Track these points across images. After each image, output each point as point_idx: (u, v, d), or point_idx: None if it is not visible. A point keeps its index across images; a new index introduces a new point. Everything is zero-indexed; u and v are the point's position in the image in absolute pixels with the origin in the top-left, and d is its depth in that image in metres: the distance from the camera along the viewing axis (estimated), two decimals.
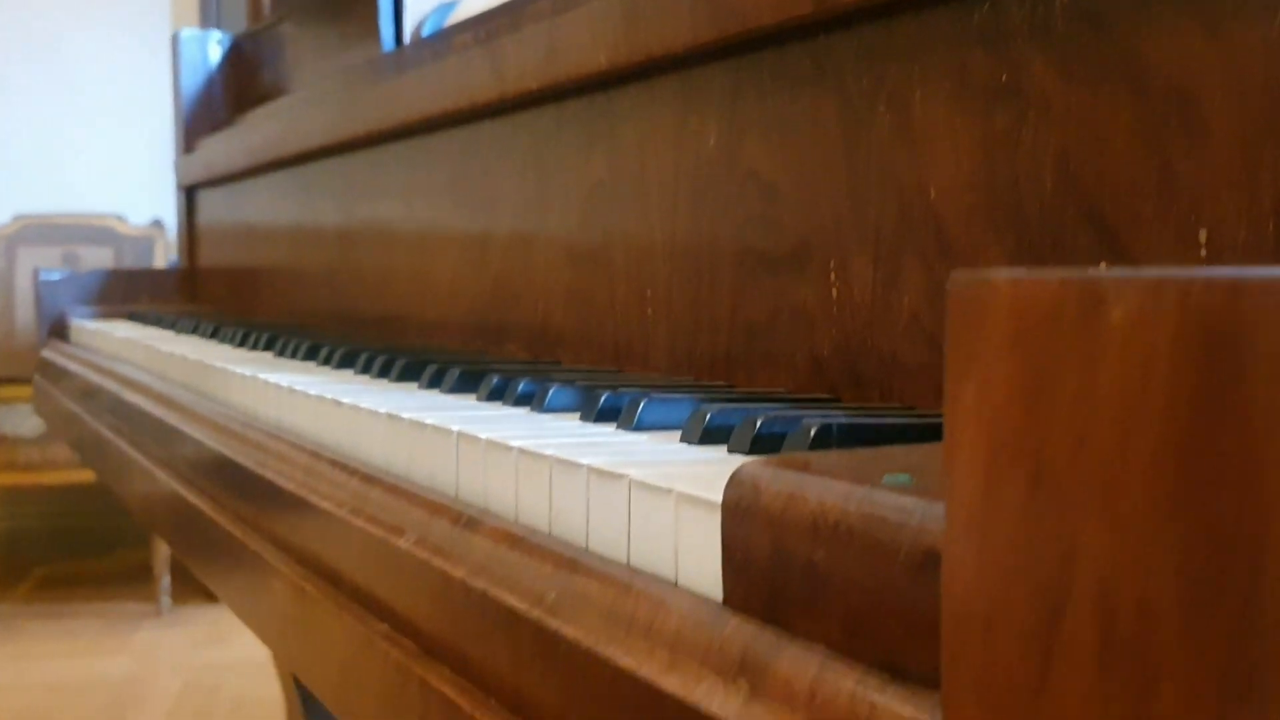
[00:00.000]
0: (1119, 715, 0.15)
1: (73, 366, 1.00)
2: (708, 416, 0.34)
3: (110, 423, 0.81)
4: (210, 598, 2.36)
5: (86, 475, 2.19)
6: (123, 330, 1.01)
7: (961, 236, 0.35)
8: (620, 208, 0.53)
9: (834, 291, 0.40)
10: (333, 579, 0.42)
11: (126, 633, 2.14)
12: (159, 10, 2.73)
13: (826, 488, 0.23)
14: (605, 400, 0.39)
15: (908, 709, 0.20)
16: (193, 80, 1.25)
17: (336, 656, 0.40)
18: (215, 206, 1.23)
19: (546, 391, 0.42)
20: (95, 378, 0.90)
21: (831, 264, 0.40)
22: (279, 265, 1.05)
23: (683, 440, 0.35)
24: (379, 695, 0.36)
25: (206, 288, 1.25)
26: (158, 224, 2.62)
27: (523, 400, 0.44)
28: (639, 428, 0.37)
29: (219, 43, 1.26)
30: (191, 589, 2.43)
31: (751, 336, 0.45)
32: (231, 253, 1.18)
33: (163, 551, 2.24)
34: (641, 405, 0.37)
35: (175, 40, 1.28)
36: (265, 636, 0.49)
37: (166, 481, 0.63)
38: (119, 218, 2.63)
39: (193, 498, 0.58)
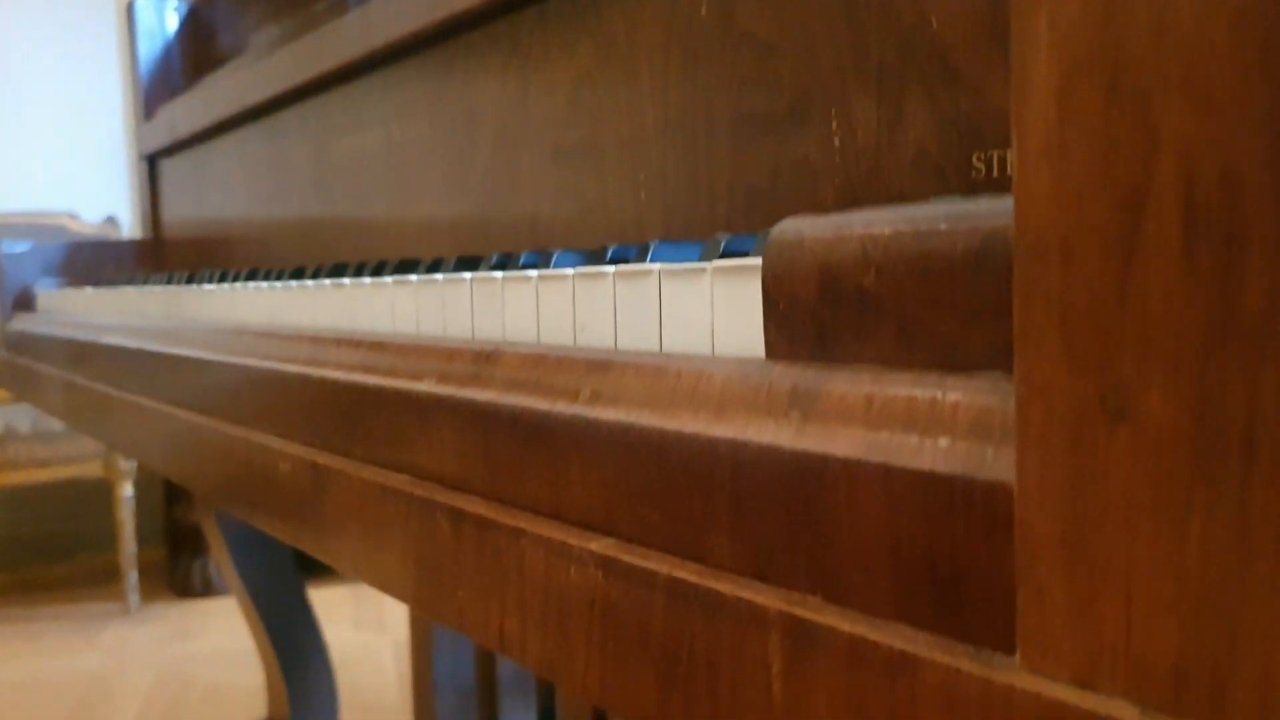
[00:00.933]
0: (1205, 301, 0.16)
1: (43, 329, 0.99)
2: (723, 242, 0.34)
3: (95, 371, 0.79)
4: (179, 594, 2.32)
5: (45, 475, 2.15)
6: (94, 291, 1.00)
7: (967, 61, 0.36)
8: (608, 95, 0.53)
9: (836, 141, 0.41)
10: (348, 449, 0.41)
11: (95, 631, 2.11)
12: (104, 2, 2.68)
13: (874, 218, 0.23)
14: (613, 252, 0.39)
15: (968, 392, 0.20)
16: (150, 48, 1.24)
17: (358, 526, 0.40)
18: (180, 174, 1.21)
19: (550, 257, 0.42)
20: (71, 333, 0.89)
21: (833, 113, 0.41)
22: (251, 223, 1.04)
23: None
24: (410, 541, 0.36)
25: (173, 257, 1.23)
26: (111, 221, 2.58)
27: (527, 268, 0.44)
28: None
29: (175, 9, 1.25)
30: (159, 587, 2.40)
31: (752, 201, 0.45)
32: (198, 220, 1.17)
33: (129, 550, 2.20)
34: (653, 248, 0.37)
35: (130, 8, 1.26)
36: (281, 532, 0.49)
37: (169, 411, 0.63)
38: (72, 215, 2.59)
39: (201, 419, 0.57)
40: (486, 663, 1.37)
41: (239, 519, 1.21)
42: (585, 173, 0.56)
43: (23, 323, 1.12)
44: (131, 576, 2.21)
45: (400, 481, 0.37)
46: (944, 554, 0.19)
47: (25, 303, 1.18)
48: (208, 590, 2.31)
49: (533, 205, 0.61)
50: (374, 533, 0.39)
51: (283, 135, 0.93)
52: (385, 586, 0.38)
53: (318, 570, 2.50)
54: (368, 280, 0.44)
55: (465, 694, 1.35)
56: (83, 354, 0.83)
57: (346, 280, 0.46)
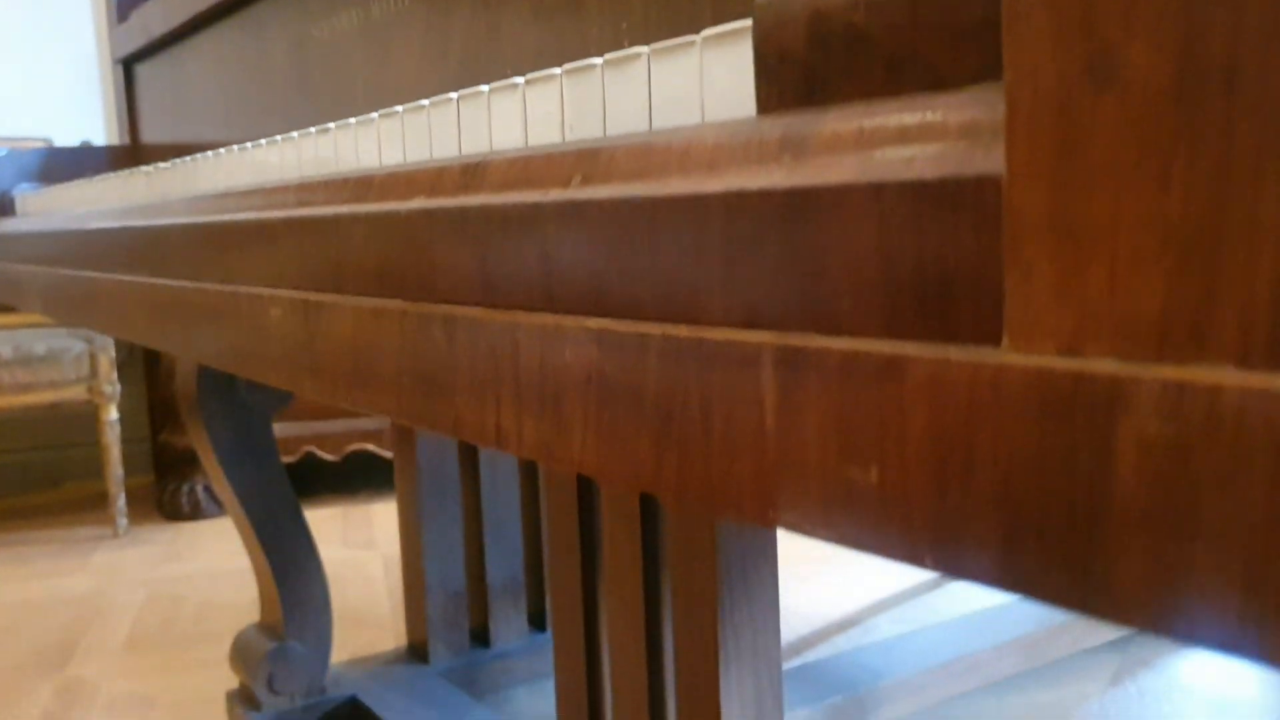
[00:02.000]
0: None
1: (22, 228, 0.98)
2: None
3: (78, 259, 0.79)
4: (167, 518, 2.33)
5: (29, 399, 2.14)
6: (75, 183, 0.99)
7: None
8: None
9: None
10: (339, 286, 0.42)
11: (84, 554, 2.12)
12: None
13: None
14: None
15: (957, 106, 0.21)
16: None
17: (351, 357, 0.40)
18: (156, 78, 1.20)
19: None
20: (52, 226, 0.88)
21: None
22: (232, 124, 1.03)
23: None
24: (404, 356, 0.37)
25: (152, 161, 1.22)
26: (87, 145, 2.55)
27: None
28: None
29: None
30: (147, 511, 2.41)
31: None
32: (177, 124, 1.16)
33: (116, 474, 2.21)
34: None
35: None
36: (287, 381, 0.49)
37: (156, 284, 0.62)
38: (46, 141, 2.56)
39: (189, 284, 0.57)
40: (476, 566, 1.38)
41: (228, 423, 1.22)
42: (566, 29, 0.55)
43: (3, 228, 1.11)
44: (119, 501, 2.22)
45: (391, 306, 0.38)
46: (933, 259, 0.20)
47: (3, 209, 1.17)
48: (196, 514, 2.32)
49: (514, 69, 0.61)
50: (368, 359, 0.39)
51: (261, 28, 0.92)
52: (381, 408, 0.38)
53: (307, 491, 2.51)
54: (353, 120, 0.44)
55: (456, 597, 1.37)
56: (65, 244, 0.83)
57: (332, 125, 0.46)
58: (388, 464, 2.54)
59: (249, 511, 1.26)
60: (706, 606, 0.76)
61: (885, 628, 1.58)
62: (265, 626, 1.31)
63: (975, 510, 0.19)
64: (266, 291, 0.47)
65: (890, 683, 1.25)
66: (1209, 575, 0.16)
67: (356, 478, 2.62)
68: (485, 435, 0.33)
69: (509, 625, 1.41)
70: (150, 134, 1.25)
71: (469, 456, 1.36)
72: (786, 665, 1.45)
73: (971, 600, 1.65)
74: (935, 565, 0.20)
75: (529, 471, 1.41)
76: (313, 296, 0.43)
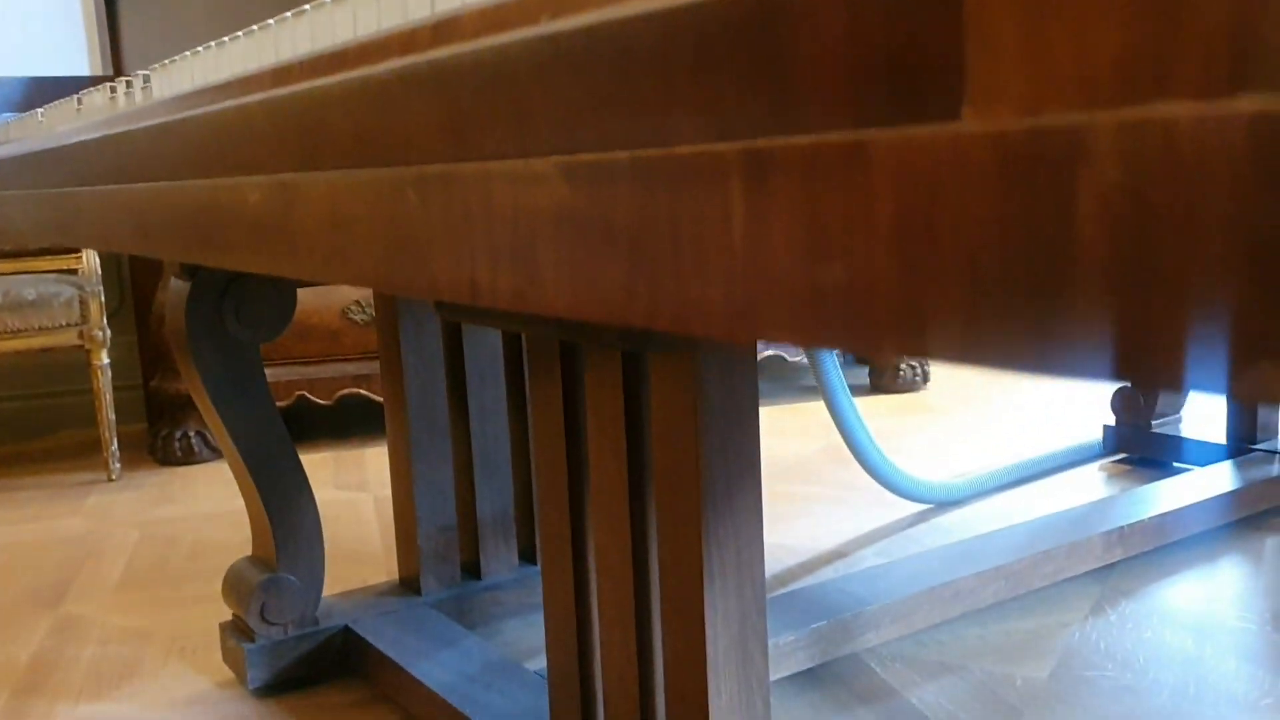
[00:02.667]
0: None
1: (8, 151, 0.97)
2: None
3: (60, 176, 0.79)
4: (160, 463, 2.34)
5: (19, 344, 2.14)
6: (55, 103, 0.98)
7: None
8: None
9: None
10: (316, 163, 0.41)
11: (79, 498, 2.13)
12: None
13: None
14: None
15: None
16: None
17: (328, 231, 0.40)
18: (138, 7, 1.18)
19: None
20: (33, 147, 0.87)
21: None
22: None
23: None
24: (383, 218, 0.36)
25: None
26: (71, 77, 2.52)
27: None
28: None
29: None
30: (141, 457, 2.41)
31: None
32: (161, 49, 1.15)
33: (109, 419, 2.21)
34: None
35: None
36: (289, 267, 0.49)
37: (137, 189, 0.62)
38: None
39: (169, 184, 0.57)
40: (467, 502, 1.39)
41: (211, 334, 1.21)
42: None
43: None
44: (113, 446, 2.22)
45: (365, 175, 0.37)
46: (900, 43, 0.20)
47: None
48: (190, 458, 2.33)
49: None
50: (345, 231, 0.39)
51: None
52: (359, 279, 0.38)
53: (299, 435, 2.51)
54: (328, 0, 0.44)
55: (446, 531, 1.38)
56: (47, 163, 0.82)
57: (307, 5, 0.46)
58: (379, 409, 2.54)
59: (240, 444, 1.26)
60: (691, 524, 0.76)
61: (871, 560, 1.59)
62: (257, 559, 1.32)
63: (940, 288, 0.19)
64: (245, 179, 0.47)
65: (874, 609, 1.27)
66: (1169, 318, 0.16)
67: (348, 422, 2.62)
68: (461, 290, 0.32)
69: (499, 559, 1.42)
70: (133, 66, 1.24)
71: (458, 393, 1.36)
72: (774, 594, 1.46)
73: (955, 533, 1.66)
74: (900, 349, 0.20)
75: (518, 409, 1.42)
76: (290, 177, 0.42)
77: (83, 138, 0.72)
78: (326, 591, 1.40)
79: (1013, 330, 0.18)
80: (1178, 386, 0.17)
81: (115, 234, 0.67)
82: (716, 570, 0.77)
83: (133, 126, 0.61)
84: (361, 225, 0.38)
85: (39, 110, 1.02)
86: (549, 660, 0.94)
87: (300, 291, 2.30)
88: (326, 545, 1.76)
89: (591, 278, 0.27)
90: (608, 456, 0.83)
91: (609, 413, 0.82)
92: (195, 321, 1.23)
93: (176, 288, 1.26)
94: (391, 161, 0.37)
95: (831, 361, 1.63)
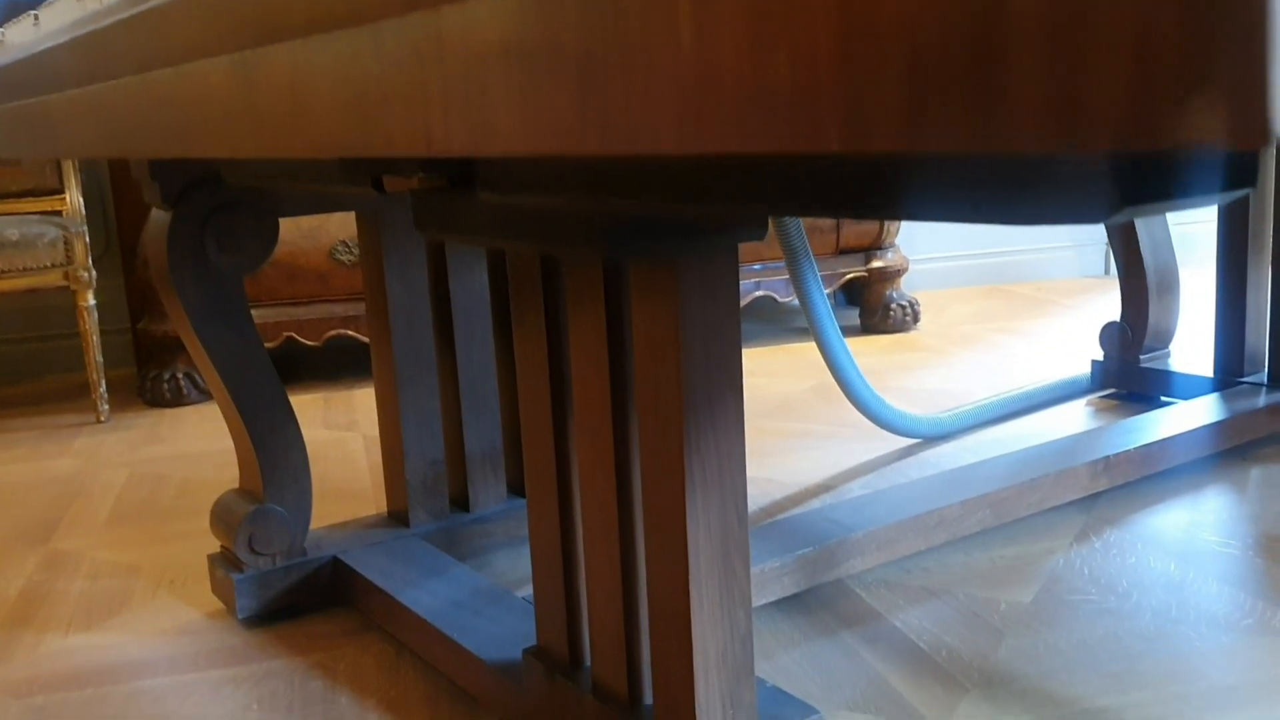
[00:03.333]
0: None
1: None
2: None
3: (31, 86, 0.77)
4: (149, 404, 2.33)
5: (4, 285, 2.12)
6: (19, 18, 0.97)
7: None
8: None
9: None
10: (275, 37, 0.41)
11: (68, 439, 2.13)
12: None
13: None
14: None
15: None
16: None
17: (289, 100, 0.40)
18: None
19: None
20: (10, 57, 0.86)
21: None
22: None
23: None
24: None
25: None
26: None
27: None
28: None
29: None
30: (129, 400, 2.41)
31: None
32: None
33: (96, 360, 2.20)
34: None
35: None
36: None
37: (105, 88, 0.61)
38: None
39: (136, 79, 0.56)
40: (455, 436, 1.39)
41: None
42: None
43: None
44: (101, 387, 2.22)
45: (322, 43, 0.37)
46: None
47: None
48: (179, 400, 2.32)
49: None
50: (304, 100, 0.38)
51: None
52: (319, 146, 0.38)
53: (289, 377, 2.51)
54: None
55: (434, 464, 1.38)
56: (18, 74, 0.81)
57: None
58: (368, 350, 2.54)
59: (225, 376, 1.26)
60: (672, 436, 0.76)
61: (858, 492, 1.60)
62: (244, 491, 1.32)
63: (882, 75, 0.19)
64: (208, 62, 0.46)
65: (859, 536, 1.27)
66: (1106, 69, 0.16)
67: (338, 364, 2.62)
68: (416, 143, 0.32)
69: (488, 492, 1.42)
70: None
71: (444, 327, 1.36)
72: (761, 524, 1.47)
73: (943, 466, 1.67)
74: (845, 141, 0.20)
75: (505, 343, 1.41)
76: (250, 54, 0.42)
77: (52, 43, 0.71)
78: (317, 527, 1.41)
79: (954, 110, 0.18)
80: (1116, 140, 0.16)
81: (86, 138, 0.66)
82: (698, 482, 0.77)
83: (99, 25, 0.60)
84: (320, 94, 0.37)
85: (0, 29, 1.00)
86: (534, 577, 0.95)
87: (288, 233, 2.29)
88: (316, 484, 1.76)
89: (543, 109, 0.27)
90: (590, 370, 0.82)
91: (590, 326, 0.81)
92: (177, 252, 1.22)
93: (157, 218, 1.25)
94: (346, 23, 0.36)
95: (821, 297, 1.63)
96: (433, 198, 0.81)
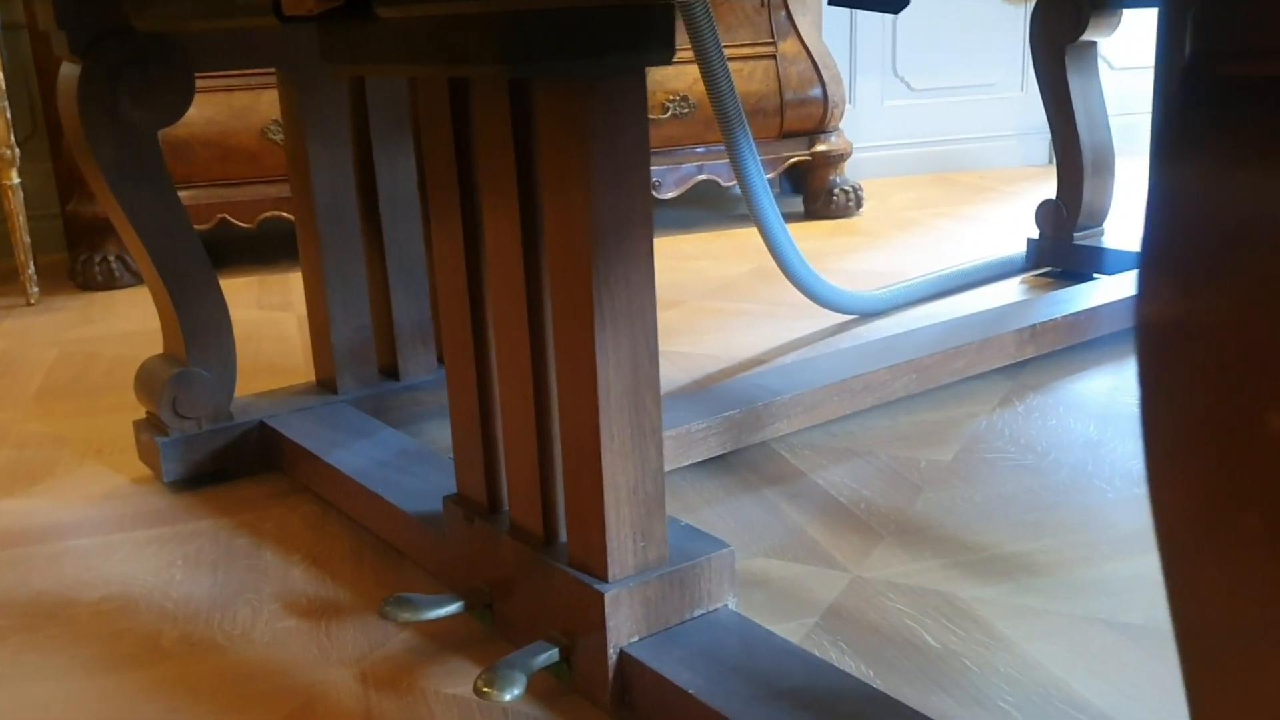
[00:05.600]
0: None
1: None
2: None
3: None
4: (80, 288, 2.29)
5: None
6: None
7: None
8: None
9: None
10: None
11: None
12: None
13: None
14: None
15: None
16: None
17: None
18: None
19: None
20: None
21: None
22: None
23: None
24: None
25: None
26: None
27: None
28: None
29: None
30: (61, 284, 2.36)
31: None
32: None
33: (25, 243, 2.15)
34: None
35: None
36: None
37: None
38: None
39: None
40: (383, 307, 1.38)
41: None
42: None
43: None
44: (29, 269, 2.17)
45: None
46: None
47: None
48: (110, 283, 2.28)
49: None
50: None
51: None
52: None
53: (223, 260, 2.47)
54: None
55: (361, 331, 1.37)
56: None
57: None
58: None
59: (144, 237, 1.23)
60: (580, 267, 0.76)
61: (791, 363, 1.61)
62: (168, 355, 1.30)
63: None
64: None
65: (786, 399, 1.29)
66: None
67: (272, 246, 2.58)
68: None
69: (418, 362, 1.41)
70: None
71: (369, 196, 1.33)
72: (691, 391, 1.48)
73: (876, 340, 1.69)
74: None
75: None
76: None
77: None
78: (246, 395, 1.40)
79: None
80: None
81: None
82: (607, 316, 0.77)
83: None
84: None
85: None
86: (452, 425, 0.95)
87: (218, 112, 2.23)
88: (249, 361, 1.75)
89: None
90: (500, 202, 0.82)
91: (499, 157, 0.80)
92: (89, 107, 1.18)
93: (68, 72, 1.21)
94: None
95: (757, 169, 1.62)
96: (335, 25, 0.79)
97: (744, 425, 1.27)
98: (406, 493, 1.08)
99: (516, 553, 0.87)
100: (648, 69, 0.76)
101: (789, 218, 2.70)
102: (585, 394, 0.78)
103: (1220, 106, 0.30)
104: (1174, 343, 0.30)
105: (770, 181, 2.64)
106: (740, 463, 1.28)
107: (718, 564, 0.84)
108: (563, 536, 0.87)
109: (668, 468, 1.23)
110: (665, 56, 0.74)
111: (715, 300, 2.00)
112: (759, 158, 1.61)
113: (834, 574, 1.02)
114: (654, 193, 2.49)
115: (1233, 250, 0.29)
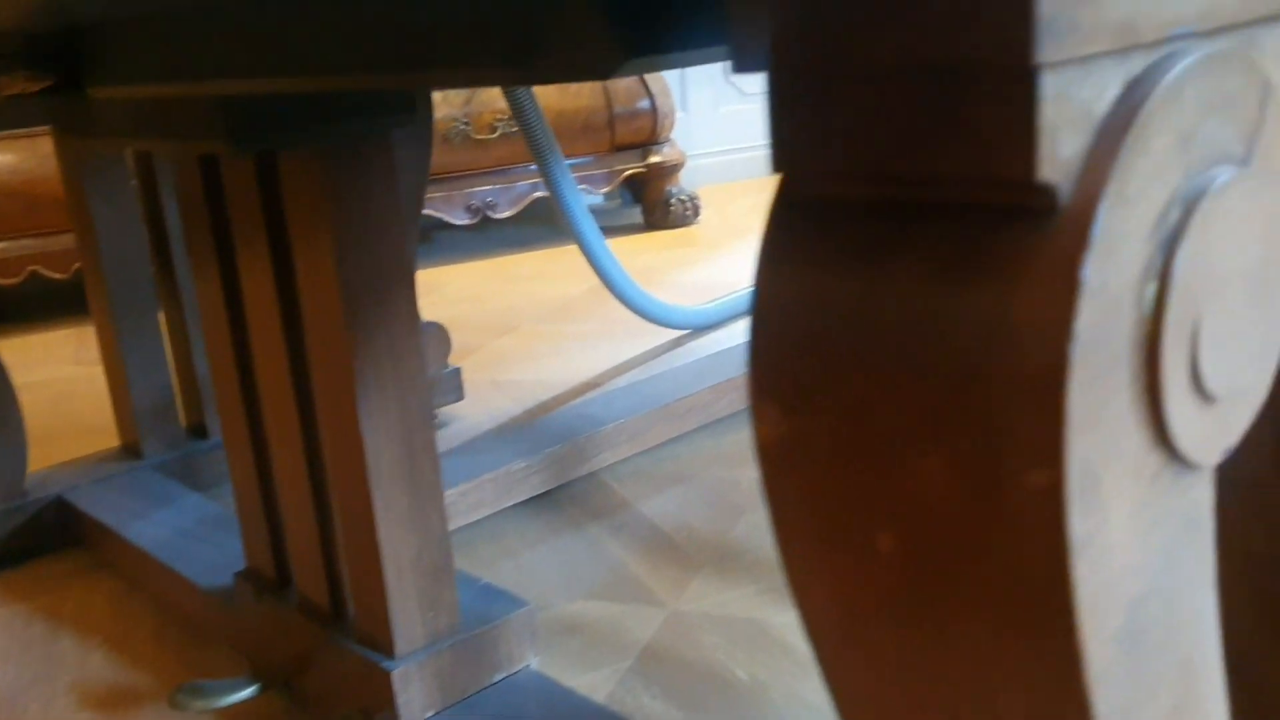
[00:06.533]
0: None
1: None
2: None
3: None
4: None
5: None
6: None
7: None
8: None
9: None
10: None
11: None
12: None
13: None
14: None
15: None
16: None
17: None
18: None
19: None
20: None
21: None
22: None
23: None
24: None
25: None
26: None
27: None
28: None
29: None
30: None
31: None
32: None
33: None
34: None
35: None
36: None
37: None
38: None
39: None
40: (185, 363, 1.32)
41: None
42: None
43: None
44: None
45: None
46: None
47: None
48: None
49: None
50: None
51: None
52: None
53: (38, 314, 2.36)
54: None
55: (163, 390, 1.31)
56: None
57: None
58: None
59: None
60: (337, 337, 0.73)
61: (621, 387, 1.61)
62: None
63: None
64: None
65: (610, 428, 1.28)
66: None
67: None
68: None
69: None
70: None
71: (162, 247, 1.28)
72: (513, 426, 1.46)
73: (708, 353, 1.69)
74: None
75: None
76: None
77: None
78: (51, 465, 1.33)
79: None
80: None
81: None
82: (371, 382, 0.74)
83: None
84: None
85: None
86: (235, 499, 0.91)
87: (24, 161, 2.12)
88: (65, 422, 1.66)
89: None
90: (257, 277, 0.78)
91: (252, 225, 0.77)
92: None
93: None
94: None
95: (573, 192, 1.60)
96: (57, 100, 0.74)
97: (567, 460, 1.25)
98: (205, 566, 1.04)
99: (306, 629, 0.84)
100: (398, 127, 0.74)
101: (630, 229, 2.70)
102: (354, 465, 0.75)
103: (815, 226, 0.29)
104: (785, 465, 0.30)
105: (608, 195, 2.64)
106: (566, 498, 1.26)
107: (517, 625, 0.83)
108: (351, 609, 0.84)
109: (491, 511, 1.21)
110: (407, 118, 0.71)
111: (551, 323, 1.98)
112: (575, 181, 1.60)
113: (651, 611, 1.01)
114: (489, 213, 2.46)
115: (830, 372, 0.28)
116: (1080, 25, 0.24)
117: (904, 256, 0.27)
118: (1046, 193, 0.25)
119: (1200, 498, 0.30)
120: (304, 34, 0.56)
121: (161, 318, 1.30)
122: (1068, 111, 0.25)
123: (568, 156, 2.42)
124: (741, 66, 0.29)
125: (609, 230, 2.67)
